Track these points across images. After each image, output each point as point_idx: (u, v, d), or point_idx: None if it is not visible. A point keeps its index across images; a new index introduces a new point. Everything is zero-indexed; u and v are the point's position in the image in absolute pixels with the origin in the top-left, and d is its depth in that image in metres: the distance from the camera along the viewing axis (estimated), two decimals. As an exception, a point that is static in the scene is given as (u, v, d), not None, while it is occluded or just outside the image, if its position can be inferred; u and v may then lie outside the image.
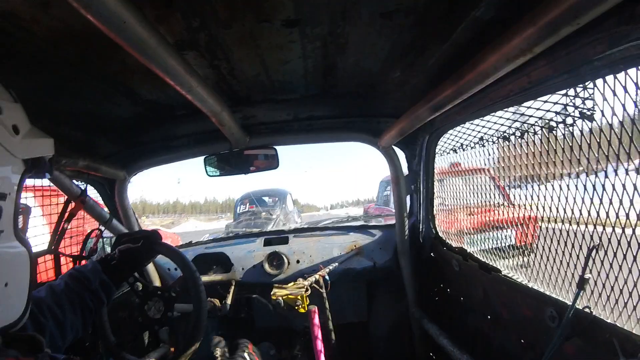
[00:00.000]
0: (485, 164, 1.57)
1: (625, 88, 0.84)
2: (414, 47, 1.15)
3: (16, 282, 0.75)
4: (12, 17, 0.82)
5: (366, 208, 10.27)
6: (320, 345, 1.95)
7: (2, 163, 0.75)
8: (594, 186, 1.01)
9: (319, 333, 1.97)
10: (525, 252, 1.46)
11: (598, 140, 0.97)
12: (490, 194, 1.68)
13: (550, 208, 1.21)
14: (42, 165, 0.87)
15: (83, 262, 1.67)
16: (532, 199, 1.30)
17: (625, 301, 0.97)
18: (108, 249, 2.11)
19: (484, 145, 1.51)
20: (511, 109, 1.27)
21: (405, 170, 2.16)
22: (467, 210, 1.91)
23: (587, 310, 1.03)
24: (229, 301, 2.26)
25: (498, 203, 1.69)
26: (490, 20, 0.94)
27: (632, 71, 0.83)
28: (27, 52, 0.98)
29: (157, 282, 2.37)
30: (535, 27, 0.74)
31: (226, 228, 8.63)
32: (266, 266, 2.41)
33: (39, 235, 1.63)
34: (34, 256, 0.81)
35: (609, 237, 1.00)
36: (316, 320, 1.98)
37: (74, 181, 1.67)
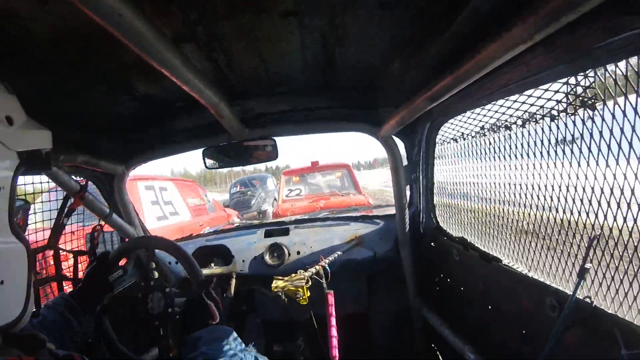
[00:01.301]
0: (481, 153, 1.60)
1: (626, 77, 0.83)
2: (414, 38, 1.13)
3: (13, 280, 0.73)
4: (9, 14, 0.81)
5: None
6: (334, 331, 1.96)
7: None
8: (594, 175, 1.00)
9: (332, 319, 1.98)
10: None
11: (600, 129, 0.95)
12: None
13: (551, 197, 1.21)
14: (39, 158, 0.84)
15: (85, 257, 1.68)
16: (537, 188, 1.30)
17: (626, 291, 0.97)
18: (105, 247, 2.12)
19: (485, 135, 1.50)
20: (512, 97, 1.26)
21: (404, 161, 2.15)
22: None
23: (587, 300, 1.04)
24: (230, 294, 2.27)
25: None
26: (490, 9, 0.92)
27: (633, 60, 0.82)
28: (25, 50, 0.97)
29: (157, 276, 2.37)
30: (536, 15, 0.73)
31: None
32: (267, 258, 2.42)
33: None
34: (32, 252, 0.79)
35: (611, 227, 1.00)
36: (331, 303, 1.99)
37: (73, 177, 1.67)
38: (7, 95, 0.78)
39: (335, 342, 1.94)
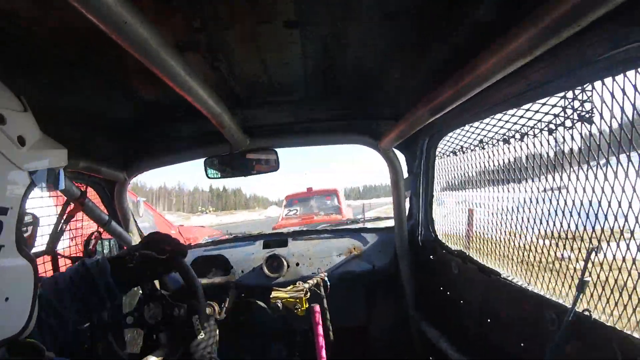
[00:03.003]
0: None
1: (623, 90, 0.84)
2: (414, 49, 1.15)
3: (18, 296, 0.74)
4: (13, 17, 0.82)
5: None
6: (322, 342, 1.95)
7: (4, 175, 0.71)
8: (592, 188, 1.01)
9: (320, 331, 1.96)
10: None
11: (598, 143, 0.97)
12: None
13: (549, 211, 1.21)
14: (51, 177, 0.84)
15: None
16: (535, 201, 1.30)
17: (625, 304, 0.97)
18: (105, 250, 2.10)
19: (483, 148, 1.52)
20: (510, 111, 1.27)
21: (405, 173, 2.16)
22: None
23: (586, 313, 1.03)
24: (228, 304, 2.25)
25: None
26: (490, 22, 0.94)
27: (630, 73, 0.83)
28: (28, 53, 0.98)
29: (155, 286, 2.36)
30: (536, 29, 0.74)
31: None
32: (265, 269, 2.41)
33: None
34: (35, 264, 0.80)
35: (608, 239, 1.00)
36: (318, 318, 1.98)
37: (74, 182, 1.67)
38: (21, 113, 0.77)
39: (324, 353, 1.93)
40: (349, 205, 13.97)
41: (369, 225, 3.04)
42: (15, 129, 0.74)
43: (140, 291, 1.51)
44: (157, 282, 2.32)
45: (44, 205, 1.66)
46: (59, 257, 1.59)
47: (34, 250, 1.49)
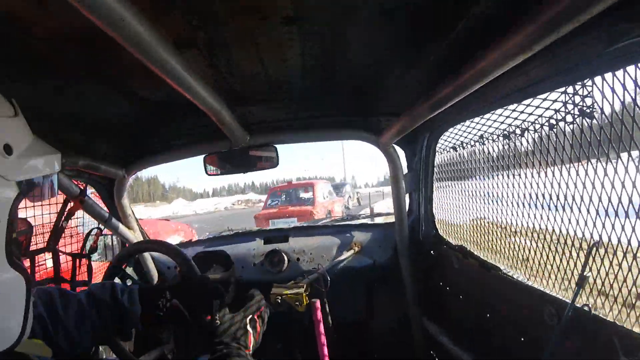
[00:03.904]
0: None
1: (624, 86, 0.84)
2: (414, 45, 1.15)
3: (8, 310, 0.71)
4: (9, 17, 0.81)
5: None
6: (323, 337, 1.95)
7: None
8: (592, 184, 1.01)
9: (321, 326, 1.97)
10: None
11: (598, 138, 0.96)
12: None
13: (549, 206, 1.21)
14: (43, 185, 0.80)
15: (84, 260, 1.68)
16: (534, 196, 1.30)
17: (624, 299, 0.97)
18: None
19: (484, 143, 1.51)
20: (511, 106, 1.27)
21: (405, 169, 2.16)
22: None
23: (586, 308, 1.03)
24: (228, 300, 2.25)
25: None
26: (490, 18, 0.93)
27: (631, 69, 0.83)
28: (26, 52, 0.97)
29: (155, 280, 2.37)
30: (536, 25, 0.74)
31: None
32: (266, 264, 2.41)
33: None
34: (31, 255, 0.78)
35: (609, 234, 1.00)
36: (319, 314, 1.98)
37: (73, 180, 1.68)
38: (10, 119, 0.74)
39: (325, 350, 1.94)
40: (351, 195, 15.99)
41: (369, 221, 3.04)
42: (1, 137, 0.70)
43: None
44: (156, 277, 2.34)
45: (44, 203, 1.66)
46: (59, 254, 1.59)
47: (33, 247, 1.50)
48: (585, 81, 0.96)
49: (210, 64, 1.19)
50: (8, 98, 0.76)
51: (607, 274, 1.03)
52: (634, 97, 0.84)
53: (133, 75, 1.21)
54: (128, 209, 2.16)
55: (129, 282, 1.56)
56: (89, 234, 1.83)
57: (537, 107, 1.15)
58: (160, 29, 0.87)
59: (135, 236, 2.20)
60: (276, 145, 2.04)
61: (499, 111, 1.35)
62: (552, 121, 1.11)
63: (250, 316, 1.32)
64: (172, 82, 1.03)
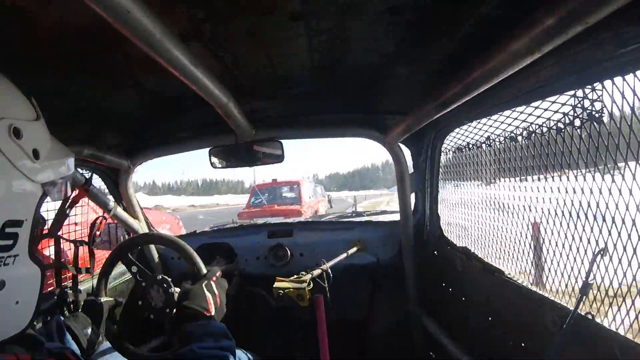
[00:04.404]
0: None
1: (634, 90, 0.82)
2: (420, 43, 1.13)
3: (27, 299, 0.77)
4: (14, 10, 0.82)
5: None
6: (325, 334, 1.96)
7: (21, 190, 0.74)
8: (600, 190, 0.99)
9: (324, 322, 1.97)
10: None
11: (606, 144, 0.94)
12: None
13: (555, 211, 1.19)
14: (59, 186, 0.86)
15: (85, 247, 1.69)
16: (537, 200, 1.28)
17: (628, 309, 0.96)
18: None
19: (490, 145, 1.50)
20: (519, 108, 1.25)
21: (410, 168, 2.15)
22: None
23: (589, 316, 1.02)
24: (231, 292, 2.27)
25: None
26: (497, 18, 0.92)
27: None
28: (31, 45, 0.98)
29: (159, 271, 2.39)
30: (544, 26, 0.72)
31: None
32: (270, 258, 2.42)
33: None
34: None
35: (615, 241, 0.98)
36: (321, 309, 1.99)
37: (79, 169, 1.69)
38: (35, 123, 0.78)
39: (326, 346, 1.94)
40: (327, 196, 15.31)
41: (374, 218, 3.03)
42: (30, 142, 0.75)
43: (143, 277, 1.54)
44: (160, 268, 2.36)
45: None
46: (62, 240, 1.61)
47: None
48: (595, 84, 0.93)
49: (216, 57, 1.19)
50: (28, 98, 0.80)
51: (611, 282, 1.01)
52: None
53: (139, 68, 1.21)
54: (133, 199, 2.18)
55: (134, 269, 1.59)
56: (94, 222, 1.85)
57: (546, 110, 1.13)
58: (165, 22, 0.86)
59: (140, 226, 2.22)
60: (282, 141, 2.04)
61: (506, 113, 1.33)
62: (560, 125, 1.09)
63: (206, 281, 1.37)
64: (178, 74, 1.03)
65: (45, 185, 0.79)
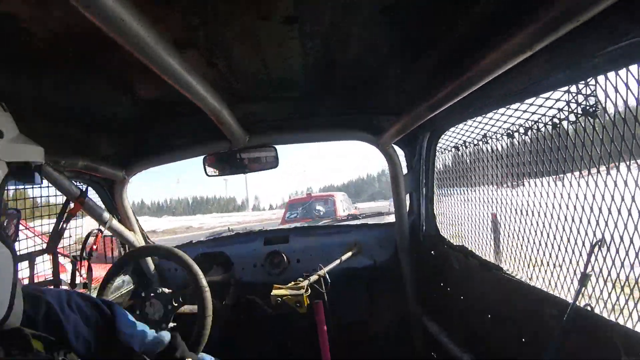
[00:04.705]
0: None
1: (627, 84, 0.84)
2: (414, 44, 1.15)
3: None
4: (11, 18, 0.81)
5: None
6: (325, 340, 1.96)
7: None
8: (595, 183, 1.01)
9: (324, 327, 1.97)
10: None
11: (601, 137, 0.96)
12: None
13: (553, 205, 1.21)
14: (27, 170, 0.85)
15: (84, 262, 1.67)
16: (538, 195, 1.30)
17: (627, 299, 0.97)
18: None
19: (487, 142, 1.51)
20: (514, 105, 1.27)
21: (404, 169, 2.16)
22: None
23: (588, 308, 1.03)
24: (228, 301, 2.25)
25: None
26: (490, 17, 0.93)
27: (633, 67, 0.82)
28: (27, 53, 0.97)
29: (156, 282, 2.36)
30: (536, 24, 0.74)
31: None
32: (267, 266, 2.41)
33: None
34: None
35: (612, 233, 1.00)
36: (321, 315, 1.98)
37: (74, 182, 1.67)
38: (2, 112, 0.79)
39: (327, 351, 1.94)
40: (356, 208, 15.18)
41: (369, 221, 3.03)
42: None
43: (141, 288, 1.52)
44: (158, 281, 2.34)
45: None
46: (59, 255, 1.58)
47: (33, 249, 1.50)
48: (588, 80, 0.95)
49: (210, 63, 1.19)
50: None
51: (609, 273, 1.03)
52: (636, 96, 0.84)
53: (133, 76, 1.21)
54: (129, 211, 2.16)
55: (135, 278, 1.58)
56: (88, 235, 1.82)
57: (541, 106, 1.15)
58: (160, 30, 0.86)
59: (136, 238, 2.19)
60: (276, 146, 2.04)
61: (501, 110, 1.34)
62: (555, 120, 1.11)
63: None
64: (172, 82, 1.02)
65: (11, 165, 0.79)
